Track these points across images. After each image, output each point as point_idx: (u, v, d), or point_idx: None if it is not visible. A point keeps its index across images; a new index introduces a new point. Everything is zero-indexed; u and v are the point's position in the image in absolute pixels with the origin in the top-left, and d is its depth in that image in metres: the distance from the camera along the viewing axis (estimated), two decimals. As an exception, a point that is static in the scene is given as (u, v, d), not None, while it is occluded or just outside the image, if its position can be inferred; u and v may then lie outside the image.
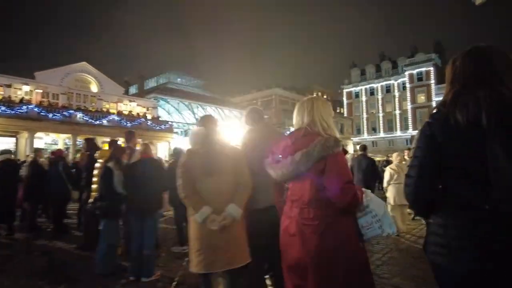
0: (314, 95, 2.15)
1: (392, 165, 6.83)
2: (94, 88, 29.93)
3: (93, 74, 29.90)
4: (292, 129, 2.18)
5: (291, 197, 1.99)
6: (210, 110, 38.75)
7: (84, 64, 29.31)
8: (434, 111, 1.35)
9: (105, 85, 30.31)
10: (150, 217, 3.90)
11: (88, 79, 29.72)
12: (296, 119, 2.11)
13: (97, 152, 5.17)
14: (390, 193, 6.55)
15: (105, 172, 4.23)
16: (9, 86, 24.11)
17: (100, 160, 4.72)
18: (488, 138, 1.17)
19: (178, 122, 34.66)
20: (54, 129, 23.54)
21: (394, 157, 7.08)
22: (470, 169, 1.24)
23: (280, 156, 2.02)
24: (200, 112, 38.61)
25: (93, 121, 25.18)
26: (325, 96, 49.21)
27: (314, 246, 1.81)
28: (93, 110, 27.01)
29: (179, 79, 42.71)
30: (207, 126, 2.65)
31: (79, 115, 24.37)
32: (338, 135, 2.00)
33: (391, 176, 6.55)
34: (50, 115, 23.08)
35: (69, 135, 24.38)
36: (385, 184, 6.74)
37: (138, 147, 4.13)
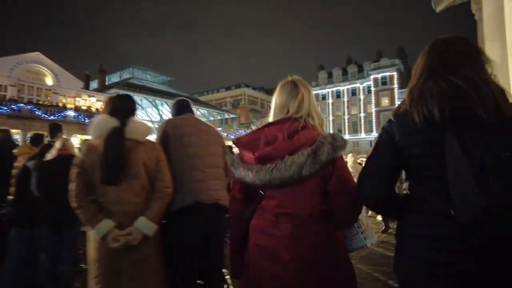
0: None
1: (348, 166, 6.98)
2: (49, 81, 27.89)
3: (48, 66, 27.83)
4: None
5: (277, 209, 1.47)
6: (176, 107, 37.55)
7: (37, 54, 27.20)
8: (397, 109, 1.30)
9: (61, 78, 28.32)
10: (68, 226, 3.25)
11: (43, 71, 27.65)
12: (283, 105, 1.57)
13: (15, 148, 4.38)
14: None
15: (22, 173, 3.56)
16: None
17: (20, 158, 3.99)
18: (442, 132, 1.11)
19: (141, 119, 33.22)
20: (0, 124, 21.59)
21: (349, 158, 7.53)
22: (429, 166, 1.18)
23: (266, 154, 1.48)
24: (165, 109, 37.39)
25: (46, 116, 23.39)
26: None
27: (316, 271, 1.39)
28: (48, 104, 25.13)
29: (143, 75, 41.13)
30: (115, 113, 2.06)
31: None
32: None
33: None
34: (-5, 108, 21.17)
35: (18, 131, 22.38)
36: None
37: (57, 143, 3.43)
